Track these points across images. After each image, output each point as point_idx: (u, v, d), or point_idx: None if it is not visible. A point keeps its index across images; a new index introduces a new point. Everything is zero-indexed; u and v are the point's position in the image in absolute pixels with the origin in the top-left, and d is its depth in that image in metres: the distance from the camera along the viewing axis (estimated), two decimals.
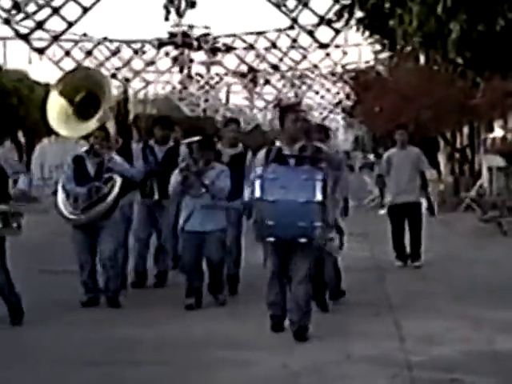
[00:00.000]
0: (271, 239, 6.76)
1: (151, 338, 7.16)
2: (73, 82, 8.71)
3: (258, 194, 6.66)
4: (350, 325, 7.67)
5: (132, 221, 9.44)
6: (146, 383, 6.02)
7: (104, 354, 6.66)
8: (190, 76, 24.41)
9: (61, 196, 8.47)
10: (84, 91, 8.58)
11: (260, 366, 6.25)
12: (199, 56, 22.36)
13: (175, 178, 8.31)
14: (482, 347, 6.86)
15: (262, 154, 7.18)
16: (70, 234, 8.56)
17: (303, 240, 6.63)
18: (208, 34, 18.96)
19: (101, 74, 9.30)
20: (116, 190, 8.39)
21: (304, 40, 17.56)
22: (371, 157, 46.86)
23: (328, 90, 26.98)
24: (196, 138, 8.67)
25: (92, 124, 8.42)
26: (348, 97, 25.53)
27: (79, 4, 12.91)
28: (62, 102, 8.59)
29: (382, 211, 12.13)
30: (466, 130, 26.02)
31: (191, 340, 7.10)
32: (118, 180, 8.43)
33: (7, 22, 12.65)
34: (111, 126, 8.70)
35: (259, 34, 18.53)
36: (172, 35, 18.09)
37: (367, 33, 7.32)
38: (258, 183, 6.67)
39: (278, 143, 7.18)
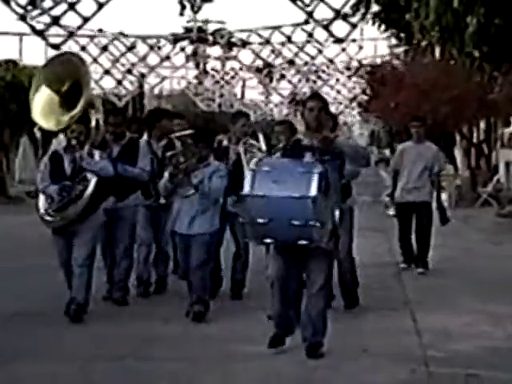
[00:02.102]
0: (268, 241, 6.05)
1: (168, 334, 7.18)
2: (57, 71, 8.01)
3: (247, 188, 5.91)
4: (366, 319, 7.67)
5: (136, 227, 8.65)
6: (166, 378, 6.02)
7: (122, 350, 6.70)
8: (205, 71, 24.43)
9: (41, 196, 7.89)
10: (68, 80, 7.90)
11: (276, 360, 6.24)
12: (215, 51, 22.35)
13: (165, 175, 7.72)
14: (499, 343, 6.83)
15: (278, 147, 6.65)
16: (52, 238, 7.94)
17: (303, 242, 5.85)
18: (223, 29, 18.93)
19: (81, 59, 8.26)
20: (89, 191, 7.69)
21: (320, 34, 17.53)
22: (387, 152, 46.73)
23: (344, 85, 26.88)
24: (188, 132, 7.97)
25: (69, 116, 7.72)
26: (364, 92, 25.44)
27: (95, 0, 12.87)
28: (47, 92, 7.96)
29: (391, 211, 11.08)
30: (482, 124, 25.88)
31: (207, 336, 7.09)
32: (93, 180, 7.72)
33: (23, 18, 12.66)
34: (97, 116, 8.12)
35: (275, 28, 18.47)
36: (187, 30, 18.10)
37: (383, 27, 7.25)
38: (248, 177, 5.97)
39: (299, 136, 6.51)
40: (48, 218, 7.75)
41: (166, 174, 7.68)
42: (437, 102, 21.41)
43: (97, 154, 7.81)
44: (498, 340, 6.91)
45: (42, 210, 7.81)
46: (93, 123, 7.88)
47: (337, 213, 6.08)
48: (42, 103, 7.91)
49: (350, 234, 8.00)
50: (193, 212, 7.62)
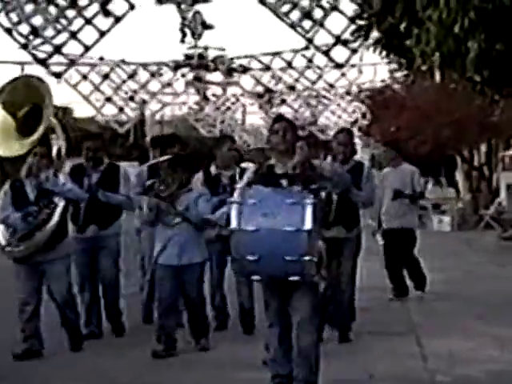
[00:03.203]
0: (256, 278, 5.66)
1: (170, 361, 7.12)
2: (13, 95, 7.50)
3: (234, 223, 5.45)
4: (372, 343, 7.66)
5: (120, 254, 8.25)
6: None
7: (134, 377, 6.70)
8: (206, 97, 24.48)
9: (0, 226, 7.30)
10: (26, 104, 7.43)
11: None
12: (215, 77, 22.42)
13: (145, 203, 7.30)
14: (505, 366, 6.83)
15: (249, 172, 6.10)
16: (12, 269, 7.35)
17: (295, 278, 5.44)
18: (224, 56, 19.01)
19: (41, 80, 7.61)
20: (57, 214, 7.18)
21: (320, 60, 17.57)
22: None
23: (344, 110, 26.93)
24: (165, 158, 7.62)
25: (31, 140, 7.22)
26: (364, 116, 25.49)
27: (96, 28, 12.93)
28: (2, 118, 7.46)
29: (379, 238, 10.62)
30: (483, 147, 25.96)
31: (214, 361, 7.06)
32: (61, 203, 7.24)
33: (25, 46, 12.69)
34: (59, 143, 7.51)
35: (275, 54, 18.56)
36: (188, 57, 18.14)
37: (384, 53, 7.30)
38: (234, 210, 5.49)
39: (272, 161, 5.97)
40: (9, 248, 7.16)
41: (145, 204, 7.26)
42: (438, 126, 21.50)
43: (61, 177, 7.38)
44: (503, 363, 6.91)
45: (2, 242, 7.21)
46: (54, 150, 7.41)
47: (320, 243, 5.68)
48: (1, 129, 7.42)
49: (352, 263, 7.76)
50: (181, 241, 7.21)
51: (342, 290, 7.67)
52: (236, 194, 5.59)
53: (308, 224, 5.35)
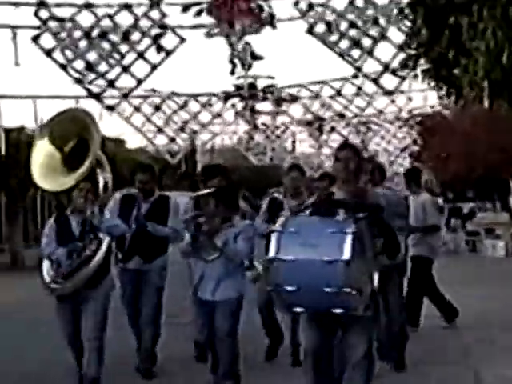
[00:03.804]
0: (299, 310, 5.38)
1: None
2: (60, 128, 7.39)
3: (272, 252, 5.22)
4: (426, 372, 7.62)
5: (164, 289, 8.04)
6: None
7: None
8: (255, 126, 24.68)
9: (45, 263, 7.13)
10: (73, 138, 7.30)
11: None
12: (265, 106, 22.61)
13: (186, 236, 7.18)
14: None
15: (309, 201, 5.90)
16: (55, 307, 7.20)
17: (337, 311, 5.17)
18: (273, 85, 19.17)
19: (88, 114, 7.50)
20: (102, 251, 7.02)
21: (369, 87, 17.64)
22: (440, 200, 46.48)
23: (394, 136, 26.90)
24: (207, 191, 7.41)
25: (78, 174, 7.06)
26: (415, 142, 25.45)
27: (148, 61, 13.24)
28: (48, 151, 7.33)
29: None
30: None
31: None
32: (106, 240, 7.08)
33: (80, 81, 13.03)
34: (106, 177, 7.39)
35: (324, 82, 18.66)
36: (238, 88, 18.35)
37: (433, 83, 7.34)
38: (273, 240, 5.27)
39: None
40: (55, 285, 6.99)
41: (187, 237, 7.13)
42: (488, 150, 21.36)
43: (107, 212, 7.31)
44: None
45: (47, 278, 7.04)
46: (100, 184, 7.30)
47: (375, 276, 5.44)
48: (43, 164, 7.30)
49: (400, 292, 7.67)
50: (217, 276, 7.02)
51: (394, 319, 7.60)
52: (278, 223, 5.39)
53: (346, 254, 5.07)
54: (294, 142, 33.49)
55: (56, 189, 7.46)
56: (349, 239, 5.11)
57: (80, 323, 7.07)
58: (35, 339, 9.69)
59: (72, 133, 7.32)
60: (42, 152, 7.33)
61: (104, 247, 7.05)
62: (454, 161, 22.07)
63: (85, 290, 6.97)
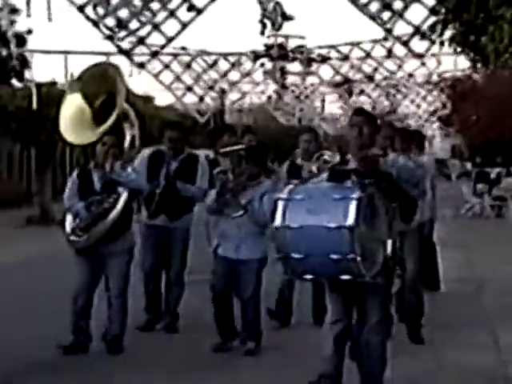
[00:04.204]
0: (309, 277, 5.32)
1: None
2: (90, 83, 7.32)
3: (278, 220, 5.16)
4: (444, 335, 7.70)
5: (188, 249, 7.96)
6: None
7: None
8: (284, 86, 24.69)
9: (68, 216, 7.15)
10: (102, 93, 7.22)
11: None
12: (294, 67, 22.61)
13: (212, 192, 7.09)
14: None
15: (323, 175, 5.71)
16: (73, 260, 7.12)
17: (345, 277, 5.11)
18: (303, 46, 19.17)
19: (116, 68, 7.37)
20: (120, 204, 6.96)
21: (399, 50, 17.58)
22: (468, 165, 46.25)
23: (424, 99, 26.80)
24: (237, 147, 7.45)
25: (102, 129, 7.00)
26: (444, 106, 25.33)
27: (179, 20, 13.30)
28: (78, 106, 7.28)
29: None
30: None
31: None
32: (124, 193, 7.00)
33: (110, 38, 13.12)
34: (133, 132, 7.28)
35: (354, 44, 18.62)
36: (268, 47, 18.37)
37: (459, 49, 7.35)
38: (280, 207, 5.19)
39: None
40: (74, 237, 7.00)
41: (213, 193, 7.05)
42: None
43: (129, 168, 7.16)
44: None
45: (68, 230, 7.07)
46: (127, 139, 7.23)
47: (389, 243, 5.34)
48: (71, 118, 7.27)
49: (416, 260, 7.47)
50: (240, 235, 6.92)
51: (409, 286, 7.46)
52: (285, 190, 5.30)
53: (350, 220, 4.98)
54: (323, 101, 33.49)
55: (82, 142, 7.51)
56: (353, 205, 5.02)
57: (98, 278, 7.05)
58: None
59: (101, 88, 7.25)
60: (72, 106, 7.31)
61: (122, 201, 6.97)
62: (483, 125, 21.94)
63: (104, 244, 6.92)
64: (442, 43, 7.69)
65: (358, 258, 4.98)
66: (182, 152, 7.93)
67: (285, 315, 7.98)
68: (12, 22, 26.28)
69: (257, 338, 7.01)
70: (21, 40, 26.96)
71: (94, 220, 6.94)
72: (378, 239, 5.25)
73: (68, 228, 7.06)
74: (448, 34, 7.29)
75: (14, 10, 26.17)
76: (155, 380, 6.37)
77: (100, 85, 7.26)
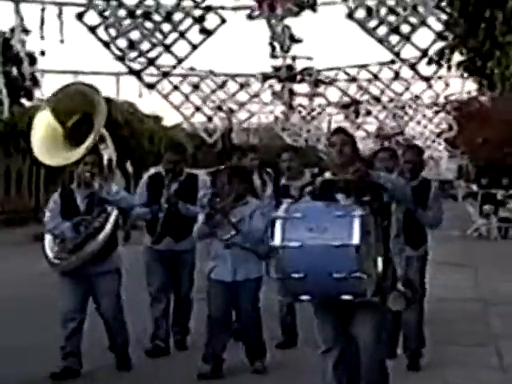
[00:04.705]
0: (305, 298, 5.15)
1: None
2: (64, 102, 7.21)
3: (278, 239, 5.05)
4: (451, 354, 7.79)
5: (195, 268, 8.01)
6: None
7: None
8: (291, 107, 24.81)
9: (47, 238, 7.04)
10: (77, 112, 7.14)
11: None
12: (302, 88, 22.76)
13: (200, 216, 7.04)
14: None
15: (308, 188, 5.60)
16: (57, 282, 7.07)
17: (346, 297, 5.00)
18: (311, 68, 19.32)
19: (94, 88, 7.25)
20: (110, 224, 6.94)
21: (406, 72, 17.74)
22: (474, 186, 46.38)
23: (430, 120, 26.92)
24: (221, 167, 7.49)
25: (82, 150, 6.93)
26: (450, 127, 25.44)
27: (189, 41, 13.48)
28: (50, 124, 7.16)
29: None
30: None
31: None
32: (114, 212, 6.98)
33: (121, 59, 13.30)
34: (110, 152, 7.25)
35: (361, 67, 18.78)
36: (276, 69, 18.52)
37: (466, 74, 7.47)
38: (278, 226, 5.09)
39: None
40: (58, 261, 6.87)
41: (201, 216, 6.98)
42: None
43: (113, 186, 7.10)
44: None
45: (50, 254, 6.91)
46: (105, 160, 7.16)
47: (379, 261, 5.24)
48: (45, 138, 7.13)
49: (419, 286, 7.38)
50: (234, 256, 6.91)
51: (409, 311, 7.24)
52: (282, 208, 5.21)
53: (356, 238, 4.92)
54: (329, 123, 33.63)
55: (60, 163, 7.34)
56: (357, 223, 4.97)
57: (86, 300, 6.93)
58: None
59: (76, 107, 7.17)
60: (45, 126, 7.16)
61: (112, 220, 6.94)
62: (489, 147, 22.04)
63: (93, 264, 6.84)
64: (449, 67, 7.83)
65: (364, 277, 4.92)
66: (181, 173, 7.94)
67: (290, 339, 8.12)
68: (23, 43, 26.49)
69: (262, 354, 7.07)
70: (31, 60, 27.21)
71: (82, 240, 6.83)
72: (371, 257, 5.20)
73: (49, 250, 6.92)
74: (456, 58, 7.43)
75: (25, 31, 26.41)
76: None
77: (74, 104, 7.19)
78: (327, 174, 5.47)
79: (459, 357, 7.68)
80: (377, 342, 5.28)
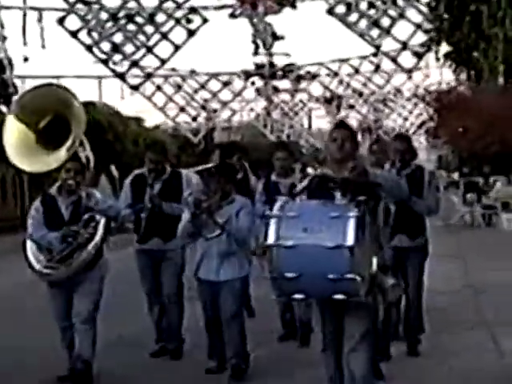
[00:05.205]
0: (299, 296, 5.07)
1: None
2: (33, 104, 6.87)
3: (272, 238, 4.96)
4: (447, 340, 7.88)
5: (184, 269, 7.70)
6: None
7: None
8: (271, 102, 24.98)
9: (30, 246, 6.71)
10: (48, 114, 6.82)
11: None
12: (283, 84, 22.93)
13: (184, 215, 6.81)
14: None
15: (305, 182, 5.49)
16: (46, 293, 6.80)
17: (339, 297, 4.94)
18: (293, 64, 19.50)
19: (67, 90, 6.94)
20: (100, 233, 6.70)
21: (386, 65, 17.92)
22: (455, 175, 46.72)
23: (410, 112, 27.17)
24: (209, 165, 7.40)
25: (61, 155, 6.63)
26: (431, 118, 25.69)
27: (171, 42, 13.60)
28: (20, 128, 6.80)
29: None
30: None
31: None
32: (102, 221, 6.73)
33: (105, 62, 13.39)
34: (86, 154, 6.91)
35: (343, 61, 18.98)
36: (258, 66, 18.68)
37: (453, 66, 7.62)
38: (272, 225, 4.99)
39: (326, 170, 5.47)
40: (48, 270, 6.58)
41: (186, 214, 6.76)
42: (505, 127, 21.53)
43: (97, 192, 6.82)
44: None
45: (35, 263, 6.63)
46: (83, 160, 6.83)
47: (374, 261, 5.18)
48: (18, 143, 6.77)
49: (418, 274, 7.35)
50: (220, 255, 6.72)
51: (411, 303, 7.40)
52: (276, 206, 5.06)
53: (350, 239, 4.83)
54: (310, 118, 33.82)
55: (40, 170, 6.95)
56: (352, 224, 4.86)
57: (72, 306, 6.72)
58: None
59: (46, 108, 6.83)
60: (16, 131, 6.79)
61: (101, 229, 6.71)
62: (470, 136, 22.27)
63: (83, 272, 6.63)
64: (437, 59, 7.96)
65: (358, 278, 4.86)
66: (164, 172, 7.71)
67: (291, 332, 7.94)
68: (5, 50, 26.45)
69: (244, 357, 6.79)
70: (10, 66, 27.16)
71: (72, 251, 6.59)
72: (366, 257, 5.13)
73: (33, 259, 6.65)
74: (443, 50, 7.57)
75: (3, 38, 26.37)
76: None
77: (44, 105, 6.84)
78: (325, 170, 5.43)
79: (457, 343, 7.74)
80: (366, 338, 5.24)
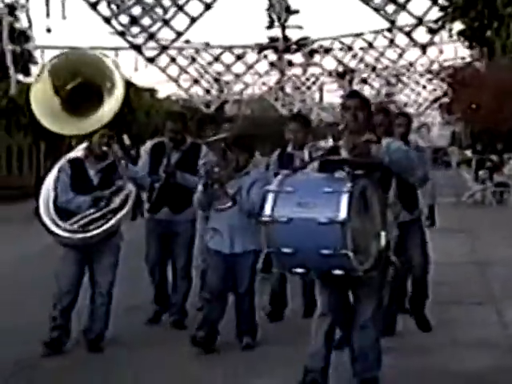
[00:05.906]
0: (300, 270, 5.03)
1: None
2: (65, 68, 6.77)
3: (267, 212, 4.92)
4: (453, 313, 8.05)
5: (194, 242, 7.65)
6: None
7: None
8: (283, 75, 25.00)
9: (43, 211, 6.60)
10: (78, 79, 6.68)
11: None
12: (297, 58, 22.99)
13: (199, 185, 6.67)
14: None
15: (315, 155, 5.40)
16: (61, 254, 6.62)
17: (338, 272, 4.89)
18: (307, 38, 19.57)
19: (102, 59, 6.86)
20: (130, 202, 6.66)
21: (400, 40, 17.97)
22: (468, 153, 46.57)
23: (424, 87, 27.14)
24: (222, 136, 7.31)
25: (94, 121, 6.55)
26: (445, 94, 25.65)
27: (188, 15, 13.70)
28: (49, 92, 6.70)
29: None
30: None
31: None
32: (133, 190, 6.69)
33: (122, 34, 13.51)
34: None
35: (357, 35, 19.02)
36: (272, 40, 18.76)
37: (467, 43, 7.70)
38: (269, 199, 4.96)
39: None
40: (66, 234, 6.47)
41: (200, 186, 6.63)
42: None
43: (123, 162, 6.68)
44: None
45: (48, 223, 6.50)
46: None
47: (383, 235, 5.12)
48: (47, 106, 6.70)
49: (423, 253, 7.31)
50: (233, 227, 6.58)
51: (417, 281, 7.41)
52: (275, 181, 5.04)
53: (342, 214, 4.76)
54: (321, 92, 33.75)
55: (74, 133, 6.86)
56: (345, 198, 4.81)
57: (83, 274, 6.67)
58: None
59: (76, 72, 6.73)
60: (45, 93, 6.72)
61: (131, 199, 6.67)
62: (484, 112, 22.26)
63: (103, 239, 6.58)
64: (451, 36, 8.03)
65: (350, 254, 4.79)
66: (184, 142, 7.59)
67: (277, 310, 7.82)
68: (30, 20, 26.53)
69: (253, 332, 6.75)
70: (26, 37, 27.27)
71: (102, 215, 6.53)
72: (371, 232, 5.07)
73: (51, 224, 6.53)
74: (457, 27, 7.64)
75: (23, 7, 26.44)
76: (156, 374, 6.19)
77: (74, 69, 6.74)
78: (340, 143, 5.32)
79: (461, 315, 7.91)
80: (374, 315, 5.25)
